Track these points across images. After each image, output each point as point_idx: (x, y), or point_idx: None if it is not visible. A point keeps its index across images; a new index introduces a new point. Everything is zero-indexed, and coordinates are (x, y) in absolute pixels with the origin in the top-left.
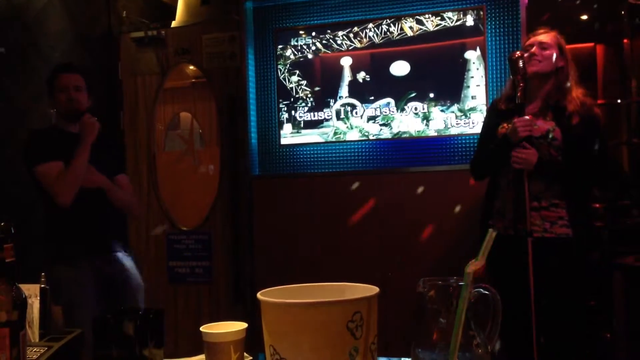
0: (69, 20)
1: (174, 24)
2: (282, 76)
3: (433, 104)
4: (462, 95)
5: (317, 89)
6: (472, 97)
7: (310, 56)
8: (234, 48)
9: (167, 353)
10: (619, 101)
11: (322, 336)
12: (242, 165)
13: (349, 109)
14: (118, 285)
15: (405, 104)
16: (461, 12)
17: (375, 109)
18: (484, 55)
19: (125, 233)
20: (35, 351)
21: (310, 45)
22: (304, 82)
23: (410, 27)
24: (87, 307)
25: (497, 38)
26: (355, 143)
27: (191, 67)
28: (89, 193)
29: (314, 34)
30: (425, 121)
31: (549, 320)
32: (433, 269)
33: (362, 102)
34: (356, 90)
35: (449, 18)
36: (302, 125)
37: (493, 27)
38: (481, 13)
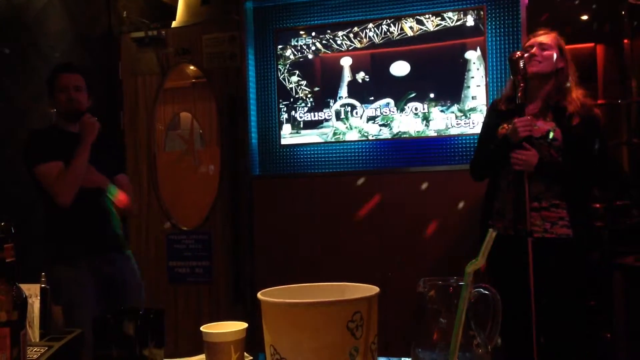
0: (69, 20)
1: (174, 24)
2: (281, 76)
3: (433, 104)
4: (463, 96)
5: (316, 89)
6: (473, 98)
7: (310, 56)
8: (234, 48)
9: (168, 353)
10: (619, 101)
11: (322, 336)
12: (242, 165)
13: (348, 109)
14: (118, 285)
15: (405, 104)
16: (461, 12)
17: (376, 109)
18: (484, 55)
19: (125, 233)
20: (35, 351)
21: (310, 45)
22: (304, 83)
23: (411, 27)
24: (87, 307)
25: (498, 38)
26: (356, 143)
27: (191, 67)
28: (89, 193)
29: (313, 34)
30: (425, 121)
31: (549, 320)
32: (433, 269)
33: (361, 102)
34: (356, 90)
35: (449, 18)
36: (301, 125)
37: (493, 27)
38: (481, 13)
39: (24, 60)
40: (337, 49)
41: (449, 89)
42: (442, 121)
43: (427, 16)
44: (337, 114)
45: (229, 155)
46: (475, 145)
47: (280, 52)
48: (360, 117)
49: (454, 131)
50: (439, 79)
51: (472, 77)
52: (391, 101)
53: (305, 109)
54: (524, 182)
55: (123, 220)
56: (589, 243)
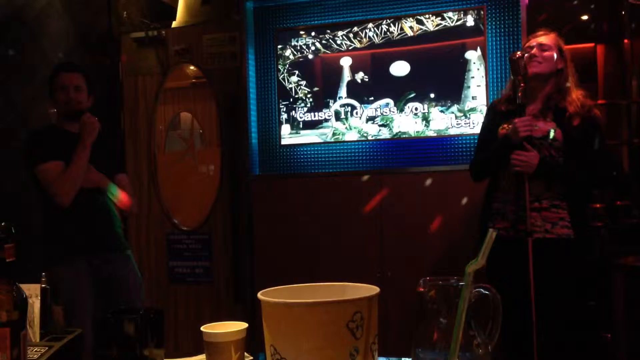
0: (69, 20)
1: (174, 24)
2: (281, 76)
3: (433, 104)
4: (463, 96)
5: (316, 89)
6: (473, 98)
7: (310, 56)
8: (234, 48)
9: (168, 353)
10: (619, 101)
11: (322, 336)
12: (242, 165)
13: (348, 109)
14: (118, 285)
15: (405, 105)
16: (461, 12)
17: (376, 109)
18: (484, 55)
19: (125, 233)
20: (36, 351)
21: (310, 45)
22: (303, 83)
23: (411, 27)
24: (86, 307)
25: (498, 38)
26: (356, 143)
27: (191, 67)
28: (89, 192)
29: (313, 34)
30: (424, 122)
31: (549, 320)
32: (433, 269)
33: (361, 102)
34: (355, 90)
35: (449, 18)
36: (301, 126)
37: (493, 27)
38: (481, 13)
39: (24, 60)
40: (337, 49)
41: (449, 89)
42: (441, 121)
43: (427, 16)
44: (337, 114)
45: (229, 155)
46: (475, 145)
47: (280, 52)
48: (360, 118)
49: (453, 131)
50: (439, 79)
51: (472, 77)
52: (391, 101)
53: (305, 109)
54: (524, 182)
55: (123, 220)
56: (589, 243)
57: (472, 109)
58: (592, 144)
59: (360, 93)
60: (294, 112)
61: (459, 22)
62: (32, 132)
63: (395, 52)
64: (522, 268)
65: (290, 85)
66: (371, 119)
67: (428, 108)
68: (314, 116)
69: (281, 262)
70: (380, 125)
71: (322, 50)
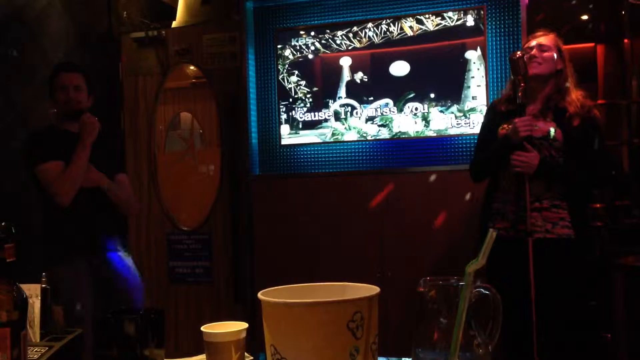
0: (69, 20)
1: (174, 24)
2: (280, 76)
3: (433, 104)
4: (463, 96)
5: (315, 89)
6: (473, 98)
7: (309, 56)
8: (234, 48)
9: (168, 353)
10: (619, 101)
11: (322, 336)
12: (242, 165)
13: (348, 109)
14: (118, 285)
15: (404, 105)
16: (461, 12)
17: (376, 109)
18: (484, 55)
19: (125, 233)
20: (36, 351)
21: (310, 45)
22: (303, 83)
23: (410, 27)
24: (86, 307)
25: (498, 38)
26: (356, 143)
27: (191, 67)
28: (89, 192)
29: (313, 33)
30: (424, 122)
31: (549, 320)
32: (433, 269)
33: (360, 102)
34: (355, 90)
35: (449, 18)
36: (300, 126)
37: (493, 27)
38: (481, 13)
39: (24, 60)
40: (337, 48)
41: (449, 89)
42: (441, 121)
43: (427, 16)
44: (336, 114)
45: (229, 155)
46: (475, 145)
47: (280, 52)
48: (359, 118)
49: (453, 131)
50: (439, 79)
51: (473, 77)
52: (390, 101)
53: (304, 109)
54: (524, 183)
55: (123, 220)
56: (590, 243)
57: (472, 109)
58: (592, 144)
59: (360, 93)
60: (293, 112)
61: (459, 22)
62: (32, 132)
63: (395, 52)
64: (522, 268)
65: (289, 85)
66: (371, 119)
67: (428, 108)
68: (314, 116)
69: (281, 262)
70: (379, 126)
71: (322, 50)
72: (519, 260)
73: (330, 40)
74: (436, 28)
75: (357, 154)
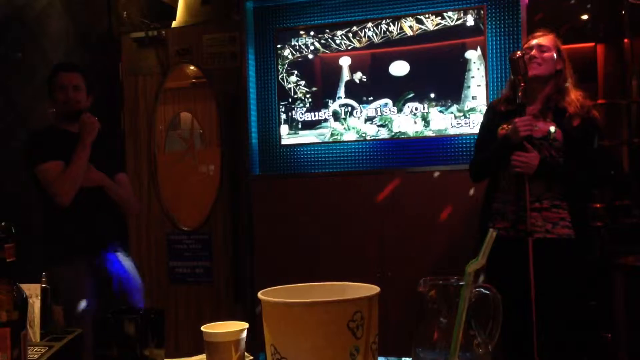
0: (69, 20)
1: (174, 24)
2: (280, 76)
3: (433, 104)
4: (463, 96)
5: (314, 89)
6: (473, 98)
7: (309, 56)
8: (234, 48)
9: (168, 353)
10: (619, 101)
11: (322, 336)
12: (242, 165)
13: (348, 109)
14: (118, 285)
15: (404, 105)
16: (461, 12)
17: (376, 109)
18: (484, 55)
19: (125, 233)
20: (36, 351)
21: (309, 45)
22: (302, 83)
23: (410, 27)
24: (87, 307)
25: (498, 38)
26: (356, 143)
27: (191, 67)
28: (89, 192)
29: (312, 33)
30: (424, 122)
31: (549, 320)
32: (433, 268)
33: (359, 102)
34: (354, 90)
35: (449, 17)
36: (299, 126)
37: (493, 26)
38: (481, 12)
39: (24, 60)
40: (336, 48)
41: (449, 89)
42: (441, 121)
43: (426, 15)
44: (336, 114)
45: (229, 155)
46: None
47: (279, 52)
48: (358, 118)
49: (453, 131)
50: (439, 79)
51: (473, 77)
52: (389, 101)
53: (304, 109)
54: (524, 183)
55: (123, 220)
56: (590, 243)
57: (472, 109)
58: (591, 144)
59: (359, 93)
60: (292, 112)
61: (458, 22)
62: (32, 132)
63: (395, 51)
64: (522, 268)
65: (289, 85)
66: (370, 119)
67: (427, 108)
68: (313, 116)
69: (281, 262)
70: (379, 126)
71: (321, 50)
72: (519, 260)
73: (329, 40)
74: (436, 28)
75: (357, 154)
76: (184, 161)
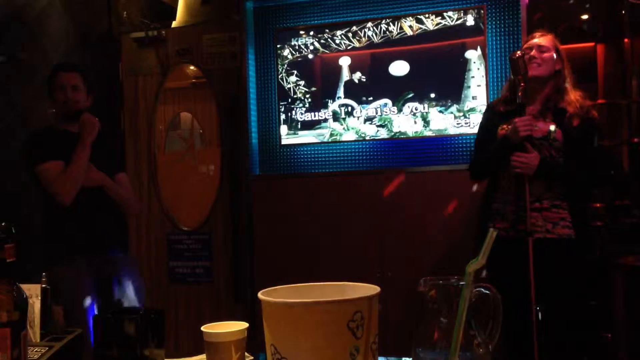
0: (69, 20)
1: (174, 24)
2: (280, 76)
3: (433, 104)
4: (463, 96)
5: (314, 89)
6: (473, 98)
7: (309, 56)
8: (234, 48)
9: (168, 353)
10: (619, 101)
11: (323, 335)
12: (242, 165)
13: (347, 109)
14: (118, 285)
15: (403, 105)
16: (461, 12)
17: (376, 109)
18: (484, 54)
19: (125, 233)
20: (36, 351)
21: (309, 45)
22: (302, 83)
23: (410, 27)
24: (86, 307)
25: (498, 37)
26: (356, 143)
27: (191, 67)
28: (89, 192)
29: (312, 33)
30: (423, 122)
31: (549, 320)
32: (433, 268)
33: (359, 102)
34: (354, 90)
35: (449, 17)
36: (298, 126)
37: (493, 26)
38: (481, 12)
39: (24, 60)
40: (336, 48)
41: (449, 89)
42: (441, 121)
43: (426, 15)
44: (335, 114)
45: (229, 155)
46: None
47: (279, 52)
48: (358, 118)
49: (453, 131)
50: (439, 79)
51: (472, 77)
52: (389, 101)
53: (303, 109)
54: (524, 183)
55: (124, 220)
56: (590, 243)
57: (472, 109)
58: (591, 144)
59: (359, 93)
60: (292, 112)
61: (458, 22)
62: (32, 132)
63: (395, 51)
64: (522, 268)
65: (288, 85)
66: (370, 119)
67: (427, 108)
68: (313, 116)
69: (281, 262)
70: (378, 126)
71: (321, 50)
72: (519, 260)
73: (329, 40)
74: (436, 28)
75: (357, 154)
76: (184, 161)
